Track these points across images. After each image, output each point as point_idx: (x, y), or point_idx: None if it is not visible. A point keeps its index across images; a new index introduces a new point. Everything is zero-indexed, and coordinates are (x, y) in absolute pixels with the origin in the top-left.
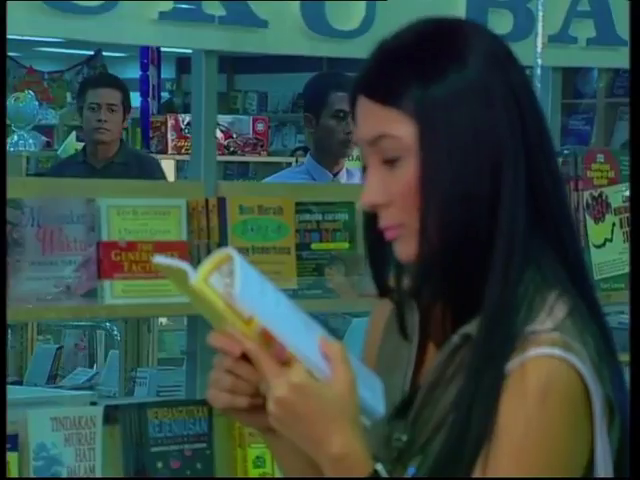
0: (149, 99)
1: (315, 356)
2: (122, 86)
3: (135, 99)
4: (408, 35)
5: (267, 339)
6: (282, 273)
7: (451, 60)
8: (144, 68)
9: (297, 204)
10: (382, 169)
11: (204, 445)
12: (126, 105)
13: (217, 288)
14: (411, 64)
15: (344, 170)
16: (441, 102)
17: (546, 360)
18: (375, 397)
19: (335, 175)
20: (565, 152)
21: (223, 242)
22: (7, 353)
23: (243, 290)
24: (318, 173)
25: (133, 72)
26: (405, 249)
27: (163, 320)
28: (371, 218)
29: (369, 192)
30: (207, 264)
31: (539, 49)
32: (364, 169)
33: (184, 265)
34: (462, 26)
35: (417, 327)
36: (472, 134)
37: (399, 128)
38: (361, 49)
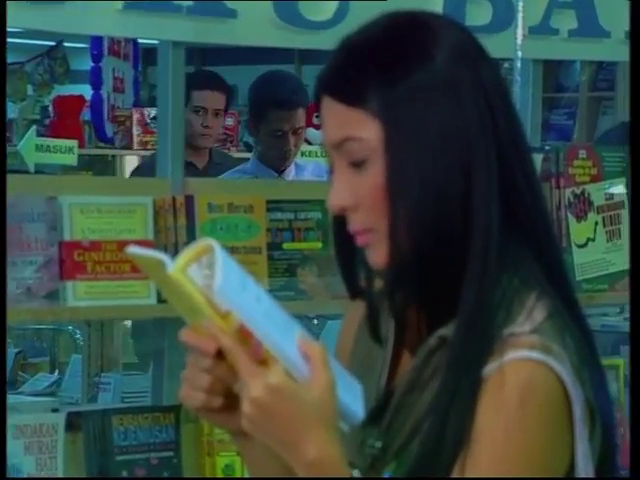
0: (102, 92)
1: (294, 356)
2: (228, 89)
3: (87, 91)
4: (372, 31)
5: (244, 336)
6: (253, 274)
7: (417, 56)
8: (96, 59)
9: (268, 202)
10: (349, 172)
11: (171, 453)
12: (227, 108)
13: (195, 280)
14: (375, 62)
15: (292, 167)
16: (407, 101)
17: (525, 363)
18: (355, 401)
19: (281, 172)
20: (546, 148)
21: (191, 242)
22: None
23: (223, 283)
24: (262, 172)
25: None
26: (376, 255)
27: (128, 323)
28: (340, 218)
29: (336, 196)
30: (186, 254)
31: (519, 41)
32: (330, 171)
33: (161, 255)
34: (429, 20)
35: (391, 330)
36: (440, 133)
37: (364, 130)
38: (334, 41)
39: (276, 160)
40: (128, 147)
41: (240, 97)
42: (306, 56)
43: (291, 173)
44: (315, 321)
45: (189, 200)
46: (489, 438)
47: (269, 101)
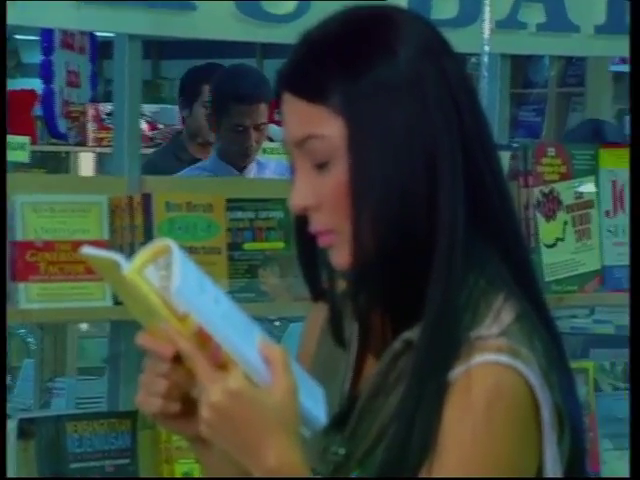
0: (53, 86)
1: (255, 360)
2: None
3: (39, 86)
4: (334, 25)
5: (203, 339)
6: (212, 275)
7: (380, 51)
8: (46, 52)
9: (228, 201)
10: (311, 170)
11: (128, 461)
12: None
13: (152, 281)
14: (337, 57)
15: (253, 164)
16: (370, 97)
17: (492, 367)
18: (317, 406)
19: (242, 170)
20: (514, 145)
21: (148, 242)
22: None
23: (180, 285)
24: (222, 170)
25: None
26: (339, 256)
27: (83, 326)
28: (302, 218)
29: (297, 195)
30: (142, 255)
31: (486, 35)
32: (292, 170)
33: (115, 255)
34: (392, 14)
35: (355, 333)
36: (405, 131)
37: (327, 127)
38: (297, 34)
39: (237, 157)
40: (83, 144)
41: None
42: (268, 50)
43: (252, 171)
44: (277, 323)
45: (146, 199)
46: (456, 443)
47: (231, 95)
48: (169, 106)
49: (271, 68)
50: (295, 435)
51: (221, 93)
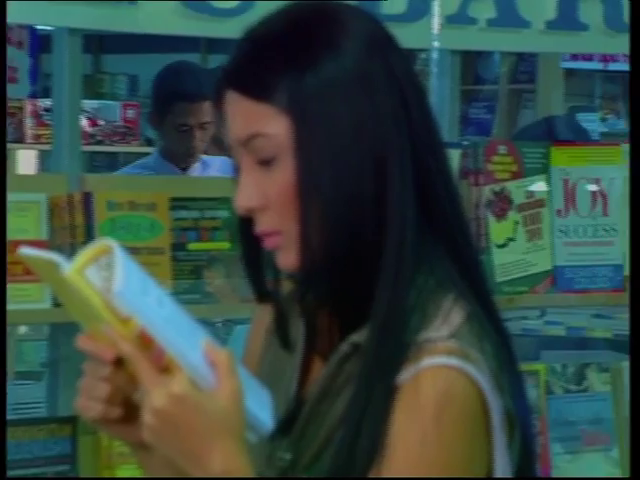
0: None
1: (200, 363)
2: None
3: None
4: (278, 21)
5: (146, 342)
6: (156, 276)
7: (326, 47)
8: None
9: (172, 200)
10: (257, 170)
11: (68, 467)
12: None
13: (93, 282)
14: (282, 53)
15: (197, 164)
16: (316, 93)
17: (442, 371)
18: (263, 410)
19: (185, 170)
20: (465, 143)
21: (89, 242)
22: None
23: (123, 286)
24: (164, 169)
25: None
26: (286, 258)
27: (22, 329)
28: (246, 218)
29: (243, 196)
30: (83, 255)
31: (436, 31)
32: (237, 170)
33: (55, 256)
34: (337, 9)
35: (302, 335)
36: (352, 128)
37: (273, 125)
38: (242, 29)
39: (180, 157)
40: (20, 141)
41: (141, 88)
42: (213, 45)
43: (197, 170)
44: (219, 324)
45: (87, 197)
46: (404, 447)
47: (174, 93)
48: (110, 102)
49: (216, 63)
50: (241, 440)
51: (164, 91)
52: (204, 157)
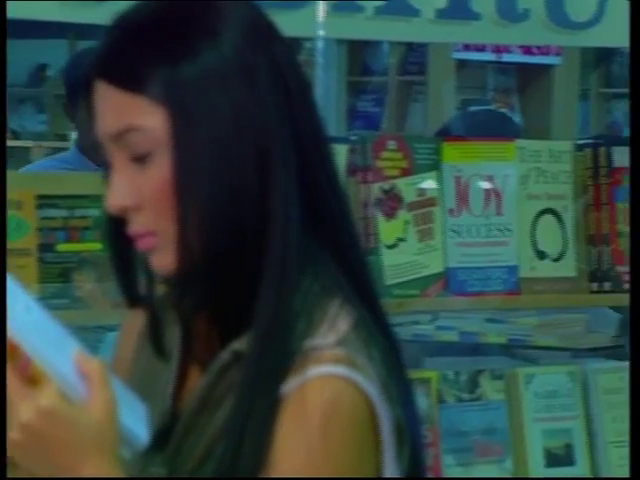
0: None
1: (70, 374)
2: None
3: None
4: (150, 6)
5: (11, 351)
6: (22, 279)
7: (203, 35)
8: None
9: (39, 197)
10: (130, 167)
11: None
12: None
13: None
14: (156, 41)
15: None
16: (194, 84)
17: (329, 380)
18: (138, 424)
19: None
20: (352, 138)
21: None
22: None
23: None
24: (84, 165)
25: None
26: (162, 260)
27: None
28: (116, 218)
29: (115, 195)
30: None
31: (321, 19)
32: (108, 167)
33: None
34: None
35: (178, 342)
36: (232, 120)
37: (147, 118)
38: (111, 15)
39: (96, 150)
40: None
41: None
42: (82, 30)
43: None
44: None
45: None
46: (289, 460)
47: (84, 82)
48: None
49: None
50: (114, 456)
51: (74, 80)
52: None
